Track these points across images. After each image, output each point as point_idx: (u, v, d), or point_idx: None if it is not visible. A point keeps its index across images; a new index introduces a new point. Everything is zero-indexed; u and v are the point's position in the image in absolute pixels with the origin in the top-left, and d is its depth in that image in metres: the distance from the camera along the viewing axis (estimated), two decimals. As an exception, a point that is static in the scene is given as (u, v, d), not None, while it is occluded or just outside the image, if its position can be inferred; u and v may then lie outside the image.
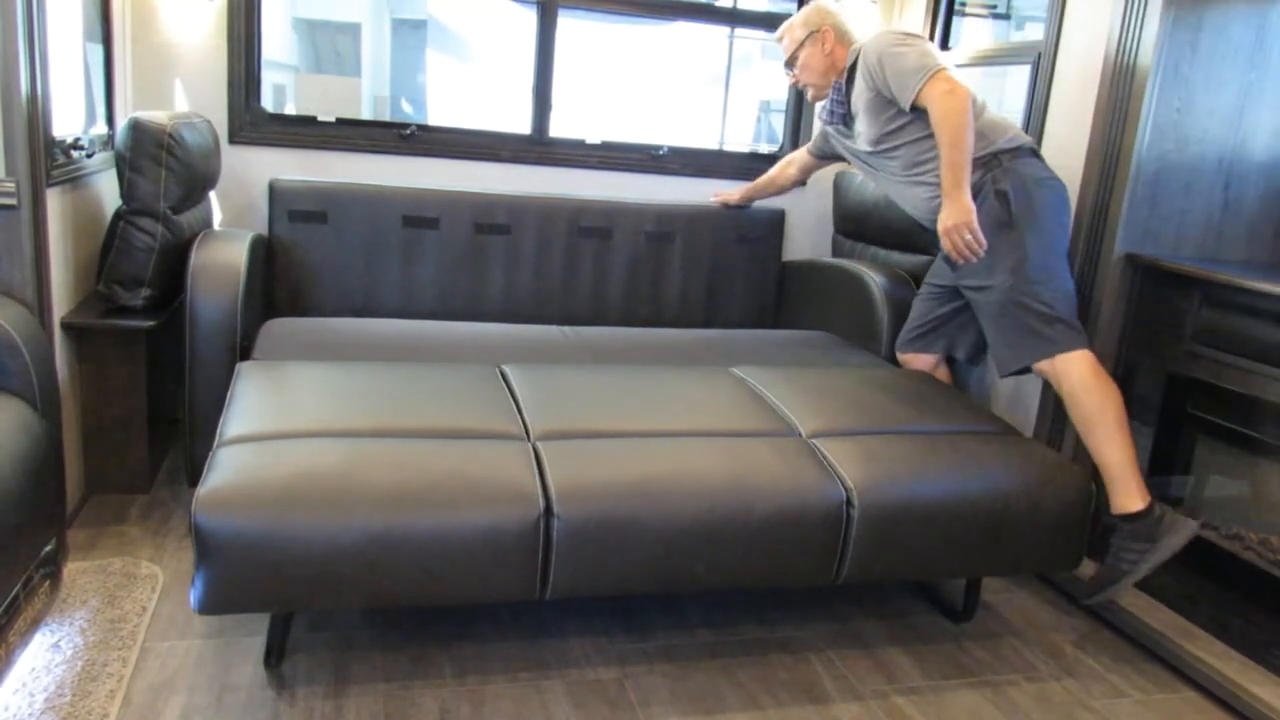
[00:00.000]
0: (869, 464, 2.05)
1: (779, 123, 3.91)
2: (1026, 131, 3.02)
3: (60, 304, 2.42)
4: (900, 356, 2.86)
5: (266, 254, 3.01)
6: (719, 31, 7.37)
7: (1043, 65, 2.92)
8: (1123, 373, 2.65)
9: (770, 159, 3.82)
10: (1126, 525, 2.24)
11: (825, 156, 3.12)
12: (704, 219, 3.47)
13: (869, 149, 2.67)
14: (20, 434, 1.91)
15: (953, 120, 2.37)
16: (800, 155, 3.24)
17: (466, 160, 3.44)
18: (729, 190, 3.50)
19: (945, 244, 2.43)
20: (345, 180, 3.17)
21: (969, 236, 2.37)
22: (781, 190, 3.40)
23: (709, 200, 3.47)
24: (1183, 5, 2.43)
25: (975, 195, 2.43)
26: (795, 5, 3.69)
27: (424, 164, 3.40)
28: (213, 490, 1.68)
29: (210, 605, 1.70)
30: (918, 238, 3.22)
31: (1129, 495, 2.24)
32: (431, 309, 3.20)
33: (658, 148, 3.65)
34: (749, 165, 3.83)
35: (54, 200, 2.34)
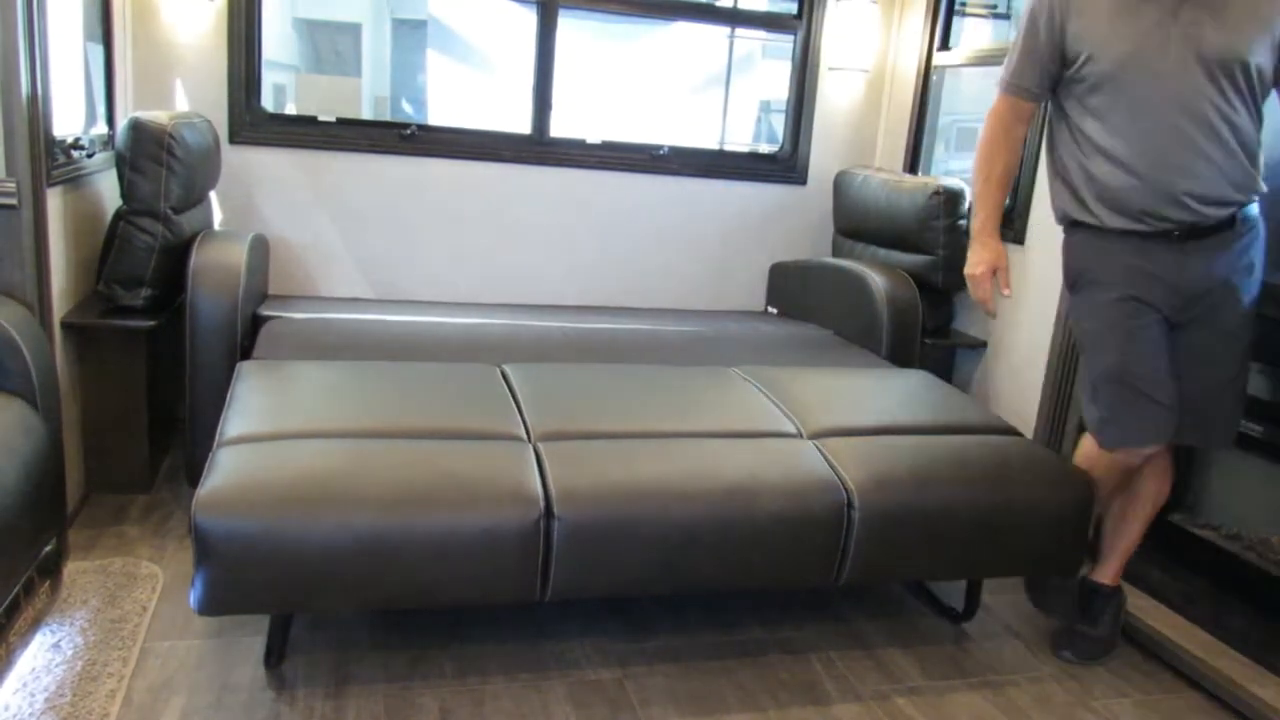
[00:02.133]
0: (870, 465, 2.05)
1: (779, 123, 3.92)
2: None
3: (60, 304, 2.42)
4: (1121, 455, 2.10)
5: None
6: (719, 31, 7.37)
7: (1043, 65, 2.91)
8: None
9: (770, 159, 3.82)
10: (1114, 597, 2.28)
11: (1044, 93, 2.08)
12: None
13: (1219, 62, 1.85)
14: (20, 434, 1.91)
15: None
16: (1012, 115, 2.11)
17: (467, 160, 3.44)
18: (989, 271, 2.19)
19: None
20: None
21: None
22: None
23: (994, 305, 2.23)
24: (1183, 5, 2.42)
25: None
26: (795, 5, 3.69)
27: (424, 164, 3.41)
28: (213, 491, 1.68)
29: (210, 606, 1.70)
30: (918, 237, 3.22)
31: (1119, 572, 2.29)
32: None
33: (658, 148, 3.65)
34: (749, 165, 3.83)
35: (54, 200, 2.34)
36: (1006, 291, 2.18)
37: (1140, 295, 2.01)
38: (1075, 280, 2.12)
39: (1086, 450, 2.21)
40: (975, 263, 2.18)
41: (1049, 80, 2.04)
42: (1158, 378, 2.02)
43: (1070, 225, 2.11)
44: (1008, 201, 3.13)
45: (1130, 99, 1.92)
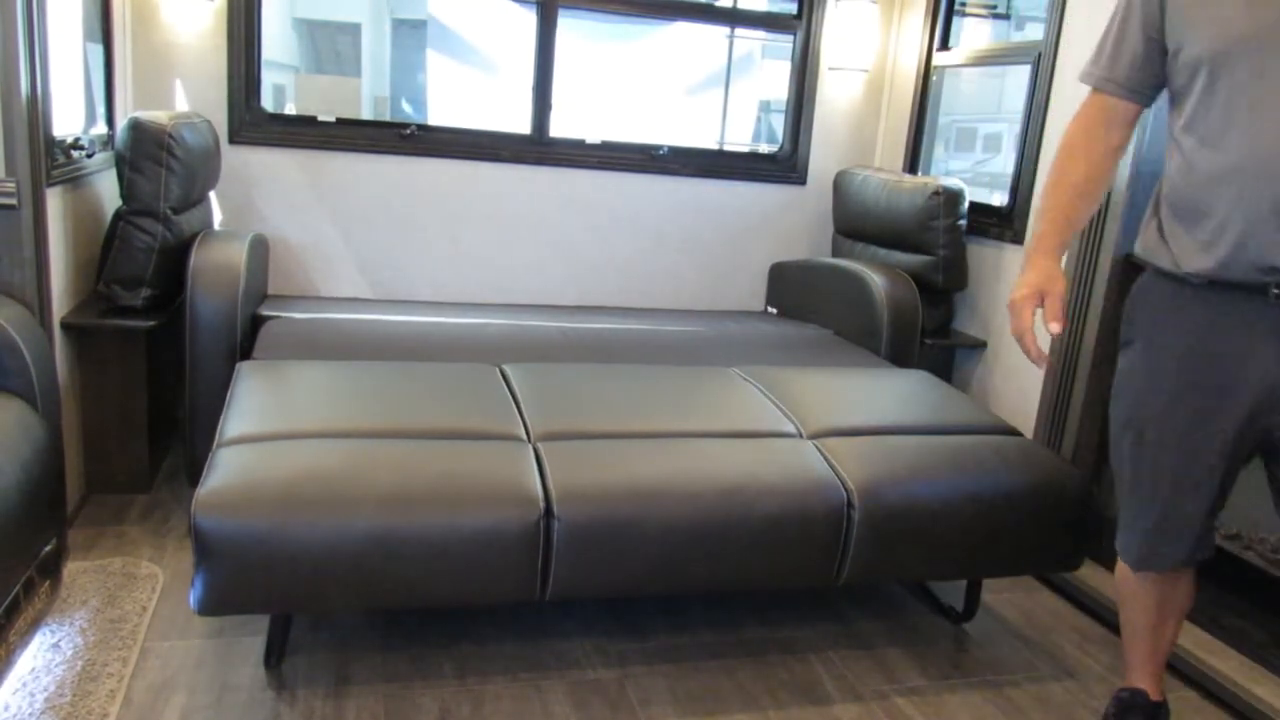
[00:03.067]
0: (870, 464, 2.05)
1: (779, 123, 3.92)
2: (1026, 132, 3.02)
3: (60, 304, 2.42)
4: (1142, 577, 1.77)
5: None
6: (719, 31, 7.37)
7: (1043, 65, 2.92)
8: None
9: (770, 159, 3.82)
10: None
11: (1140, 88, 1.65)
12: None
13: None
14: (20, 434, 1.91)
15: None
16: (1095, 114, 1.69)
17: (467, 160, 3.44)
18: (1031, 297, 1.69)
19: None
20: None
21: None
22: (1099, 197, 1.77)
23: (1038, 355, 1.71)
24: (1183, 5, 2.43)
25: None
26: (795, 6, 3.69)
27: (424, 164, 3.41)
28: (213, 491, 1.68)
29: (210, 606, 1.70)
30: (918, 238, 3.22)
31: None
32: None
33: (658, 148, 3.65)
34: (749, 165, 3.83)
35: (54, 200, 2.34)
36: (1055, 327, 1.65)
37: (1201, 389, 1.58)
38: (1122, 339, 1.74)
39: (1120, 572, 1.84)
40: (1017, 285, 1.70)
41: (1147, 73, 1.61)
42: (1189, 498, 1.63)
43: (1146, 268, 1.70)
44: (1005, 202, 3.13)
45: (1229, 96, 1.47)
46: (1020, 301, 1.68)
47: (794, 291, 3.65)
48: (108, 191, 2.81)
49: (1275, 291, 1.48)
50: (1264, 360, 1.52)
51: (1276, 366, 1.51)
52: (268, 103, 3.32)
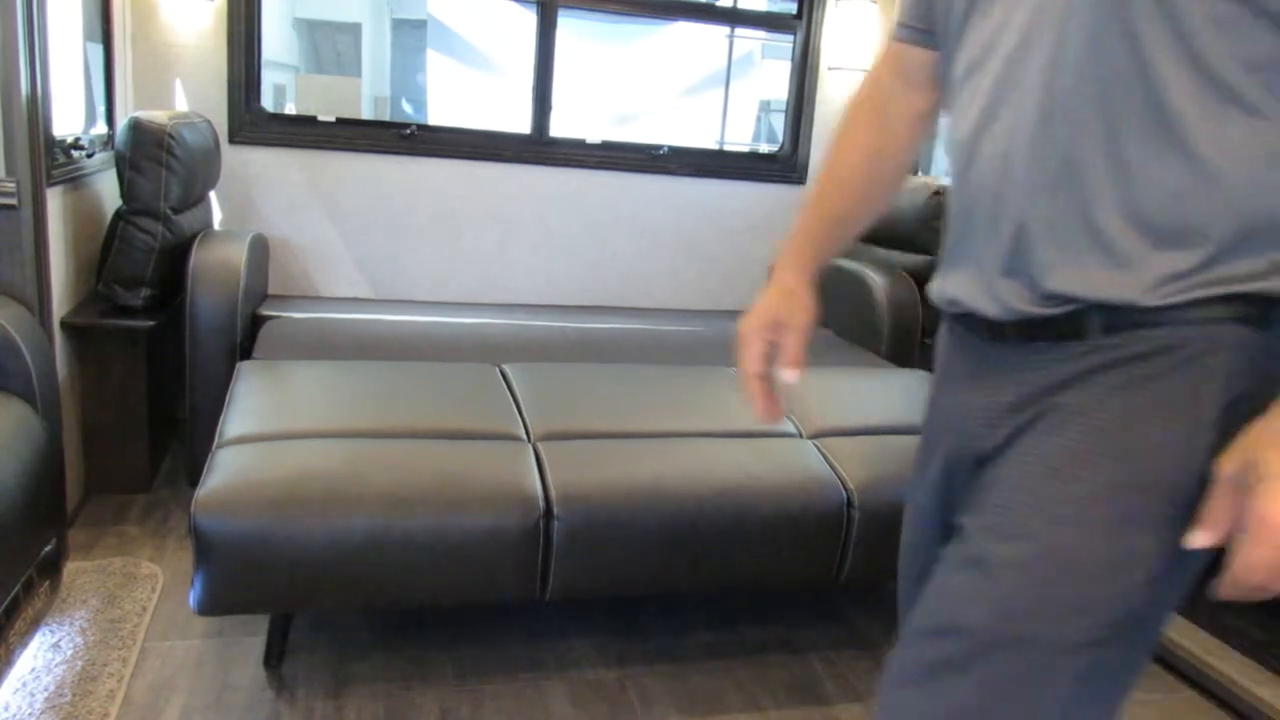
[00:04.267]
0: (870, 464, 2.05)
1: (779, 122, 3.91)
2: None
3: (60, 304, 2.42)
4: None
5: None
6: (718, 31, 7.37)
7: (1043, 65, 2.92)
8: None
9: (770, 158, 3.82)
10: None
11: (922, 38, 1.01)
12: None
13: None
14: (20, 434, 1.91)
15: None
16: (883, 63, 1.07)
17: (467, 160, 3.44)
18: (755, 329, 1.18)
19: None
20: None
21: None
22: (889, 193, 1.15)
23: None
24: (1183, 5, 2.43)
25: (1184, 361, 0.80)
26: (795, 5, 3.69)
27: (424, 164, 3.41)
28: (213, 491, 1.68)
29: (210, 606, 1.70)
30: (918, 237, 3.22)
31: None
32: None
33: (658, 147, 3.65)
34: (749, 165, 3.83)
35: (54, 200, 2.34)
36: (787, 375, 1.13)
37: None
38: None
39: None
40: (747, 313, 1.16)
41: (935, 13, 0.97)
42: None
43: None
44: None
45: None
46: (745, 334, 1.14)
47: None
48: (108, 191, 2.81)
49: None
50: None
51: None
52: (268, 103, 3.32)
